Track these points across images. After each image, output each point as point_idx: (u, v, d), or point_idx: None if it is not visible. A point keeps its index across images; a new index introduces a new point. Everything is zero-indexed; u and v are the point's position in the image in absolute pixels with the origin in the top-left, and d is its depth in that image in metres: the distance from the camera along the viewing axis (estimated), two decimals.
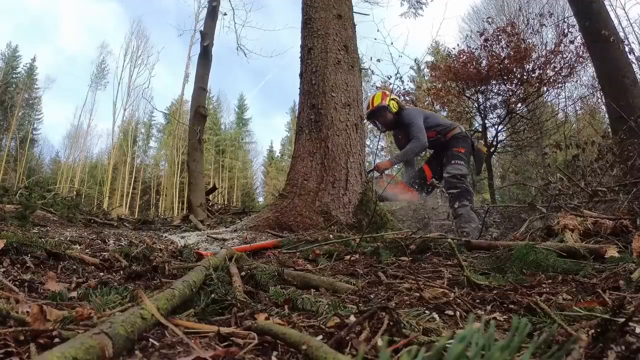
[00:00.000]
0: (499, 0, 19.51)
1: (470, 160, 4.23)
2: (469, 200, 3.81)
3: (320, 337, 0.71)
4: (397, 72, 13.76)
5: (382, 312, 0.73)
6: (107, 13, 58.44)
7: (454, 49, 10.49)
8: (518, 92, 9.33)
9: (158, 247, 1.96)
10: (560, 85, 9.81)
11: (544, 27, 9.92)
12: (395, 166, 4.54)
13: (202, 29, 7.40)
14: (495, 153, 10.18)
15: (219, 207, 7.73)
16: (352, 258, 1.83)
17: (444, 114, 11.07)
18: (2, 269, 1.12)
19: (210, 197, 7.61)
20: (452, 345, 0.36)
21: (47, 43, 55.41)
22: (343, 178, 3.32)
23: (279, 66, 60.04)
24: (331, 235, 2.49)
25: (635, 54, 10.79)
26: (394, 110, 4.21)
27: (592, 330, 0.65)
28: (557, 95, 11.32)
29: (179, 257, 1.71)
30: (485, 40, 9.12)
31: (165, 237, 2.73)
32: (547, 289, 1.15)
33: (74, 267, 1.26)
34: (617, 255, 1.52)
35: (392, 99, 4.26)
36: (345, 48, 3.82)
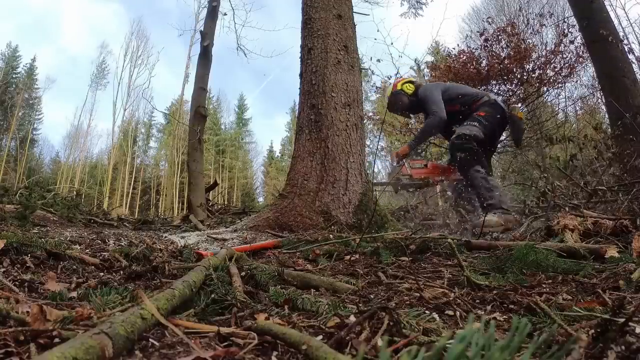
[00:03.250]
0: (499, 0, 19.51)
1: (492, 128, 3.52)
2: (480, 164, 3.26)
3: (320, 337, 0.71)
4: (397, 72, 13.76)
5: (382, 312, 0.73)
6: (109, 13, 58.66)
7: (454, 49, 10.47)
8: (518, 92, 9.32)
9: (158, 247, 1.96)
10: (560, 85, 9.80)
11: (544, 27, 9.91)
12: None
13: (202, 29, 7.40)
14: (495, 153, 10.16)
15: (219, 207, 7.73)
16: (352, 258, 1.83)
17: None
18: (2, 269, 1.12)
19: (211, 197, 7.61)
20: (452, 345, 0.36)
21: (49, 43, 55.63)
22: (343, 178, 3.32)
23: (281, 67, 60.13)
24: (331, 235, 2.49)
25: (635, 54, 10.78)
26: (410, 92, 3.94)
27: (592, 330, 0.65)
28: (557, 95, 11.30)
29: (179, 257, 1.71)
30: (485, 40, 9.12)
31: (165, 237, 2.73)
32: (547, 289, 1.15)
33: (74, 267, 1.26)
34: (617, 255, 1.52)
35: (407, 82, 4.02)
36: (345, 48, 3.82)
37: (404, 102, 3.98)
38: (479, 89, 9.40)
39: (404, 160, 3.79)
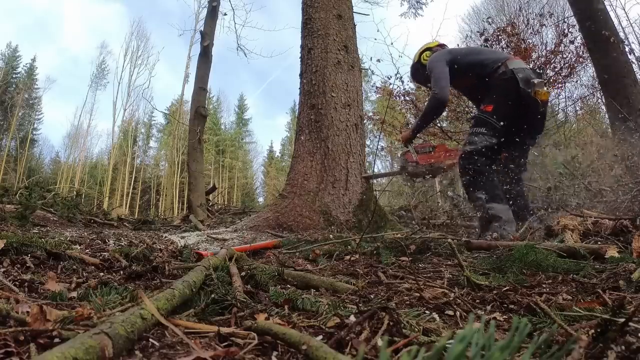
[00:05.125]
0: (499, 0, 19.51)
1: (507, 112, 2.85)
2: (483, 188, 2.77)
3: (320, 337, 0.71)
4: (397, 72, 13.76)
5: (382, 312, 0.73)
6: (111, 14, 58.87)
7: None
8: None
9: (158, 247, 1.97)
10: (560, 85, 9.80)
11: (544, 27, 9.92)
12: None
13: (202, 29, 7.42)
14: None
15: (219, 207, 7.74)
16: (352, 258, 1.83)
17: (444, 113, 11.02)
18: (2, 269, 1.12)
19: (210, 197, 7.62)
20: (452, 345, 0.36)
21: (50, 43, 55.84)
22: (343, 178, 3.32)
23: (282, 67, 60.33)
24: (331, 235, 2.49)
25: (635, 54, 10.81)
26: (426, 62, 3.28)
27: (592, 330, 0.65)
28: (557, 95, 11.32)
29: (179, 257, 1.71)
30: (485, 40, 9.12)
31: (165, 237, 2.73)
32: (547, 289, 1.15)
33: (74, 267, 1.26)
34: (617, 255, 1.52)
35: (426, 50, 3.40)
36: (345, 48, 3.82)
37: (423, 75, 3.34)
38: None
39: (409, 146, 3.38)
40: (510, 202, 2.86)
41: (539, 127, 2.98)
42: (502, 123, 2.81)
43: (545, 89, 2.82)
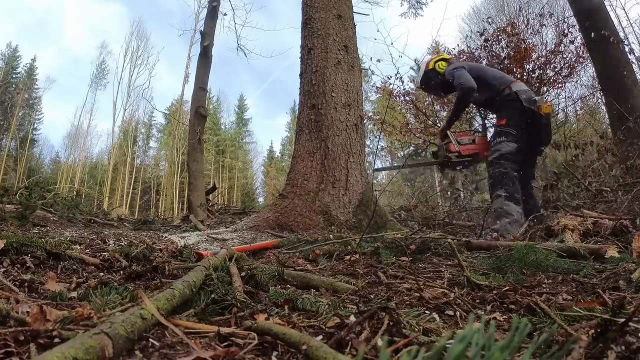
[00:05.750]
0: (499, 0, 19.49)
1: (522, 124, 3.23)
2: (505, 188, 3.08)
3: (320, 337, 0.71)
4: (397, 72, 13.75)
5: (382, 312, 0.73)
6: (111, 14, 58.75)
7: (454, 49, 10.46)
8: None
9: (158, 247, 1.96)
10: (560, 85, 9.80)
11: (544, 27, 9.91)
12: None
13: (202, 29, 7.42)
14: None
15: (219, 207, 7.74)
16: (352, 258, 1.83)
17: (444, 114, 11.03)
18: (2, 269, 1.12)
19: (210, 197, 7.61)
20: (452, 345, 0.36)
21: (51, 43, 55.75)
22: (343, 178, 3.32)
23: (282, 67, 60.26)
24: (331, 235, 2.49)
25: (635, 54, 10.81)
26: (442, 71, 3.62)
27: (592, 330, 0.65)
28: (557, 95, 11.31)
29: (179, 257, 1.71)
30: (485, 40, 9.11)
31: (165, 237, 2.73)
32: (547, 289, 1.15)
33: (74, 267, 1.26)
34: (617, 255, 1.53)
35: (440, 60, 3.72)
36: (345, 48, 3.82)
37: (436, 82, 3.72)
38: None
39: (451, 137, 3.52)
40: (522, 205, 3.14)
41: (546, 138, 3.37)
42: (516, 131, 3.21)
43: (546, 103, 3.22)
